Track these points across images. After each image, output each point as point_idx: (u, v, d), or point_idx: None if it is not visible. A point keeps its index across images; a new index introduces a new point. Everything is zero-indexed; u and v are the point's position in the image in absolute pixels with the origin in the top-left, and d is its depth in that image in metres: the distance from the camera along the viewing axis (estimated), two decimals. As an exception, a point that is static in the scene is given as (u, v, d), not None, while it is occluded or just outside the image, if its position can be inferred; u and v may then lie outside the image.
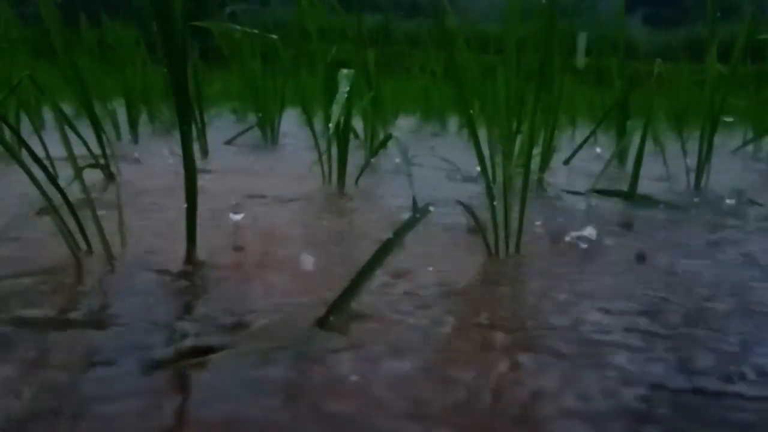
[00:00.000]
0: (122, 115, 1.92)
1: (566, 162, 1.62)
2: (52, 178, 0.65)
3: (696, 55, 2.46)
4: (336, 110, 0.79)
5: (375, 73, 1.56)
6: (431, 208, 0.53)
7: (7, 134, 1.33)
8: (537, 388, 0.39)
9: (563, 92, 1.56)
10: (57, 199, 0.65)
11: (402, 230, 0.49)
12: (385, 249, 0.47)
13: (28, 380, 0.39)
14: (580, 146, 1.67)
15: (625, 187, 1.16)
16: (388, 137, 1.19)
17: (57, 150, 1.14)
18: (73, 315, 0.49)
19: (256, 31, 1.64)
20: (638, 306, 0.54)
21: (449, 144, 2.07)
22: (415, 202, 0.85)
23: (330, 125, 0.85)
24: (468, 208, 0.62)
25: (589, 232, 0.72)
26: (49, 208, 0.61)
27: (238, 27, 1.54)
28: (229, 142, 1.84)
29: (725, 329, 0.49)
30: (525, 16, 1.14)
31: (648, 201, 1.05)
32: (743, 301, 0.56)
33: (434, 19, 0.57)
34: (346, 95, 0.86)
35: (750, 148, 2.22)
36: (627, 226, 0.92)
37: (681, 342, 0.47)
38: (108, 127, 1.85)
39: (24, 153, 0.69)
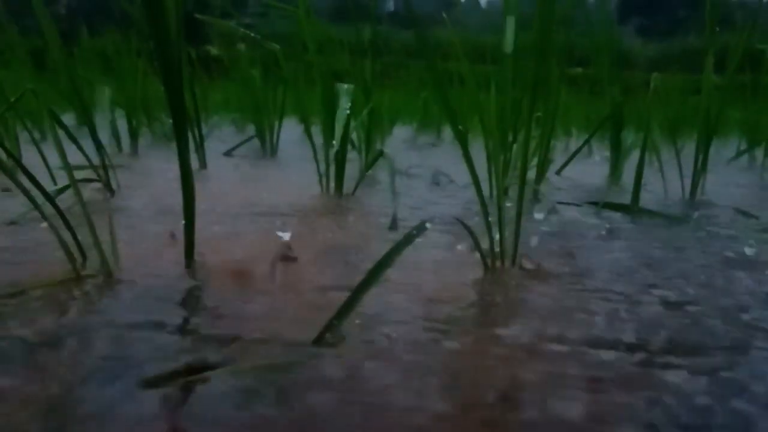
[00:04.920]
0: (122, 125, 1.93)
1: (558, 172, 1.63)
2: (49, 196, 0.66)
3: (689, 65, 2.48)
4: (339, 128, 0.81)
5: (372, 85, 1.57)
6: (428, 225, 0.53)
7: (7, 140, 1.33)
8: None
9: (559, 103, 1.58)
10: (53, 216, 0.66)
11: (398, 246, 0.50)
12: (380, 266, 0.48)
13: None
14: (572, 156, 1.69)
15: (617, 199, 1.17)
16: (380, 153, 1.20)
17: (57, 160, 1.15)
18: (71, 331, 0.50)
19: (257, 36, 1.65)
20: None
21: (444, 154, 2.08)
22: (394, 219, 0.87)
23: (334, 142, 0.86)
24: (465, 225, 0.63)
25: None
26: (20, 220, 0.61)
27: (238, 26, 1.54)
28: (228, 153, 1.85)
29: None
30: (520, 26, 1.15)
31: (648, 214, 1.06)
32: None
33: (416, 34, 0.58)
34: (348, 111, 0.87)
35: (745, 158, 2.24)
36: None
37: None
38: (109, 138, 1.87)
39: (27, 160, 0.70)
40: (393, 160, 1.06)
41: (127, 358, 0.45)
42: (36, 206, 0.63)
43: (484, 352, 0.47)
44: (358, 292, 0.49)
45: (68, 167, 0.65)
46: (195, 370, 0.43)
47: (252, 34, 1.43)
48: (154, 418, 0.37)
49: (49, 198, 0.66)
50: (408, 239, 0.51)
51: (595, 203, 1.11)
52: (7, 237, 0.79)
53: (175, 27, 0.62)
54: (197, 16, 1.25)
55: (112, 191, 1.14)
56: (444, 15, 1.41)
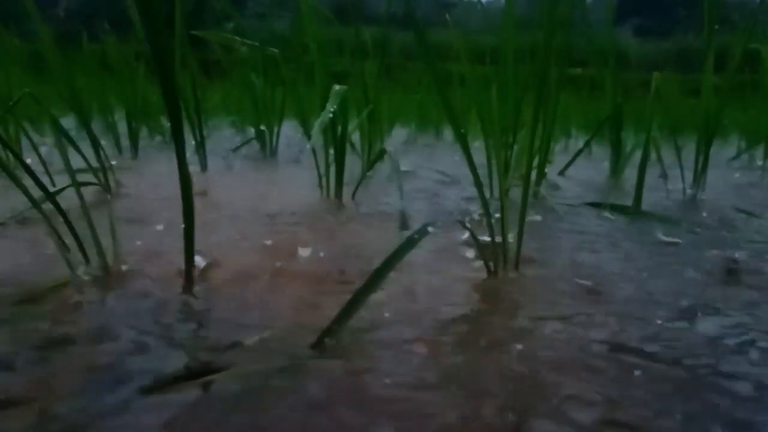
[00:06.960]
0: (123, 128, 1.93)
1: (561, 172, 1.63)
2: (49, 195, 0.66)
3: (686, 65, 2.48)
4: (317, 129, 0.80)
5: (373, 86, 1.57)
6: (430, 229, 0.53)
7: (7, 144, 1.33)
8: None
9: (559, 104, 1.57)
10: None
11: (400, 251, 0.49)
12: (381, 271, 0.47)
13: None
14: (575, 158, 1.69)
15: (618, 199, 1.17)
16: (382, 152, 1.20)
17: (58, 164, 1.15)
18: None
19: (256, 43, 1.65)
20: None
21: (443, 155, 2.08)
22: (404, 220, 0.87)
23: (308, 144, 0.85)
24: (468, 228, 0.63)
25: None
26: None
27: (238, 38, 1.54)
28: (228, 155, 1.85)
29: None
30: (520, 27, 1.15)
31: (650, 217, 1.05)
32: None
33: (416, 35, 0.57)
34: (330, 114, 0.86)
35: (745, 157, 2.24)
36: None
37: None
38: (109, 141, 1.86)
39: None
40: (397, 160, 1.06)
41: None
42: (36, 205, 0.63)
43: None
44: (359, 296, 0.48)
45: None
46: (193, 375, 0.43)
47: (248, 42, 1.43)
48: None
49: (49, 198, 0.66)
50: (409, 243, 0.50)
51: (595, 204, 1.10)
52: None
53: (171, 30, 0.62)
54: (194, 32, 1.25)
55: (111, 193, 1.14)
56: (447, 17, 1.41)
